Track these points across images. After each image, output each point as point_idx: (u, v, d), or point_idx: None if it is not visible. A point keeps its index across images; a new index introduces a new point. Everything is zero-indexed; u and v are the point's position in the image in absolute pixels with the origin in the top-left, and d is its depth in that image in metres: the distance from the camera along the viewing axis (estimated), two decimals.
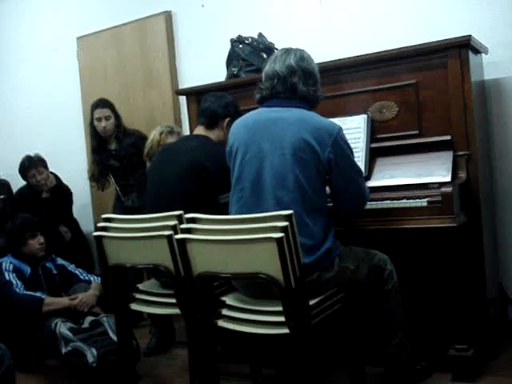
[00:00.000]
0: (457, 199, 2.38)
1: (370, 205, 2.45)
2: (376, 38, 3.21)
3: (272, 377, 2.70)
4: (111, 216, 2.60)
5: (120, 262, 2.47)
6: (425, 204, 2.40)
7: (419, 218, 2.41)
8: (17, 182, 4.32)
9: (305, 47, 2.36)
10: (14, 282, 3.22)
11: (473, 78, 2.59)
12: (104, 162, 3.82)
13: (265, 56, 3.21)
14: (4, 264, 3.31)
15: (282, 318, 1.98)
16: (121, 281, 2.57)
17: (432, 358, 2.59)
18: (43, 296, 3.18)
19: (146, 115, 4.21)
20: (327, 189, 2.29)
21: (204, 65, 3.90)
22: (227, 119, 2.76)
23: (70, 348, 2.89)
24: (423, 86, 2.69)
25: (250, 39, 3.34)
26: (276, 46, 3.31)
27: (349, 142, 2.26)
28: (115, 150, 3.81)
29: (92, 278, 3.47)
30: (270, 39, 3.39)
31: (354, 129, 2.77)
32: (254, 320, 2.11)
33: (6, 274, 3.25)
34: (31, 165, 4.06)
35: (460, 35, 2.55)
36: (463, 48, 2.56)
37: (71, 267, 3.54)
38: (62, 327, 2.99)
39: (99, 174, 3.86)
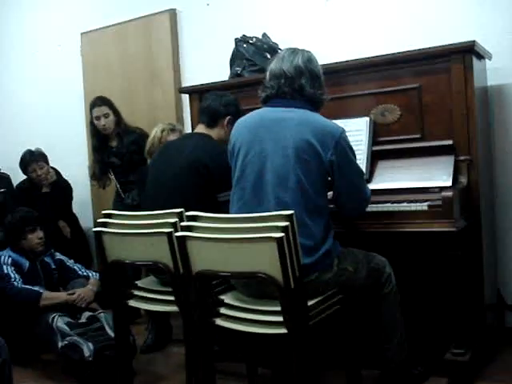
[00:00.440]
0: (457, 204, 2.38)
1: (370, 207, 2.45)
2: (380, 40, 3.22)
3: (268, 377, 2.70)
4: (111, 212, 2.59)
5: (119, 258, 2.47)
6: (425, 208, 2.40)
7: (419, 221, 2.40)
8: (17, 176, 4.32)
9: (309, 48, 2.36)
10: (13, 275, 3.23)
11: (476, 83, 2.59)
12: (105, 159, 3.82)
13: (268, 56, 3.21)
14: (2, 257, 3.32)
15: (280, 318, 1.98)
16: (120, 277, 2.57)
17: (429, 362, 2.59)
18: (41, 290, 3.18)
19: (149, 112, 4.21)
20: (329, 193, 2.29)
21: (207, 64, 3.90)
22: (228, 118, 2.76)
23: (66, 342, 2.89)
24: (426, 90, 2.69)
25: (254, 39, 3.35)
26: (280, 47, 3.31)
27: (351, 144, 2.25)
28: (116, 147, 3.81)
29: (90, 274, 3.47)
30: (274, 39, 3.40)
31: (356, 131, 2.77)
32: (251, 319, 2.10)
33: (5, 268, 3.26)
34: (32, 159, 4.06)
35: (464, 40, 2.55)
36: (467, 53, 2.55)
37: (70, 262, 3.55)
38: (59, 321, 3.00)
39: (100, 172, 3.86)
